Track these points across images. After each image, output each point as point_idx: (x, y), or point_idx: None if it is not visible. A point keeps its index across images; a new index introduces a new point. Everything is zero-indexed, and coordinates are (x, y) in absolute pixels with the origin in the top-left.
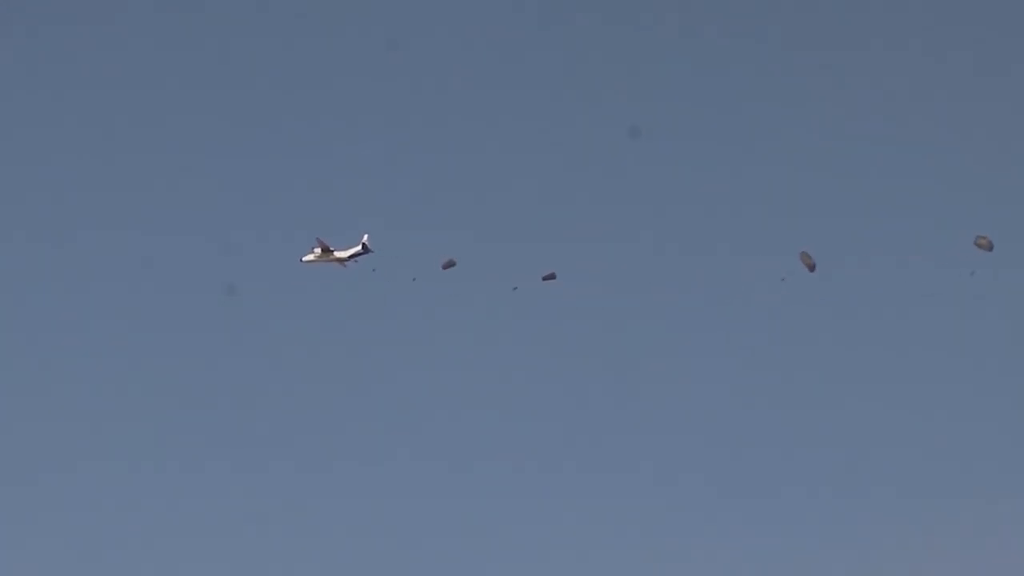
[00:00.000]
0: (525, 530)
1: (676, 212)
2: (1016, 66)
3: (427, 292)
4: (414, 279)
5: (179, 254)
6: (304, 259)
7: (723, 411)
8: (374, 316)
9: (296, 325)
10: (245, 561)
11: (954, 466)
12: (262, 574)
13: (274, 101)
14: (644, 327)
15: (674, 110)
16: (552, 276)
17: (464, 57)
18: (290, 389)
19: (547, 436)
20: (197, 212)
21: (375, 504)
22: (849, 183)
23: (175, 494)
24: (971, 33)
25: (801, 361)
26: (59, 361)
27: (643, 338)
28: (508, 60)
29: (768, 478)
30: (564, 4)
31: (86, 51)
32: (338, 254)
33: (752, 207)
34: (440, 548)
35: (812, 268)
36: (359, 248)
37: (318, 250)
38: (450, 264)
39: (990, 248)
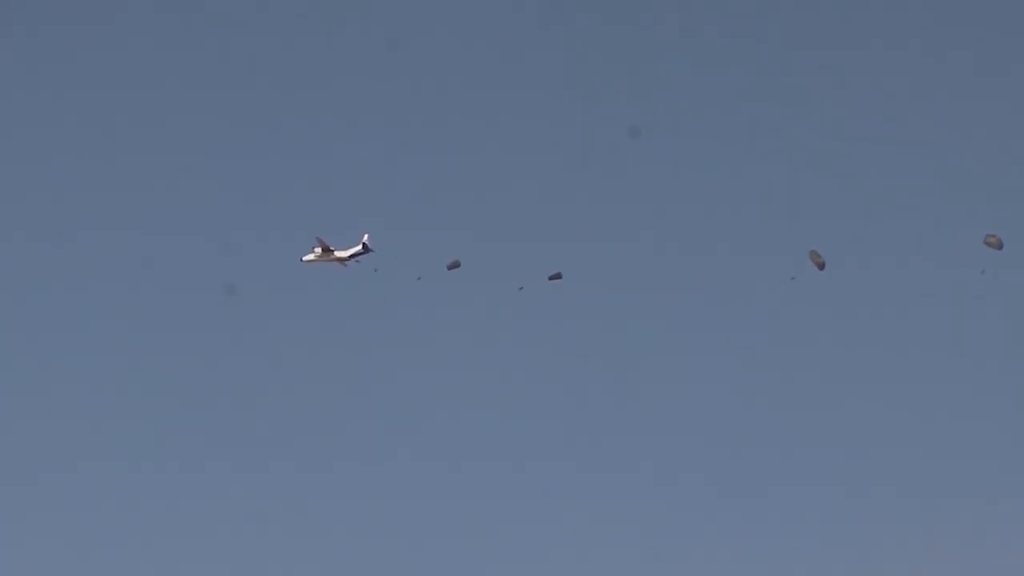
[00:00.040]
0: (525, 530)
1: (676, 212)
2: (1016, 66)
3: (427, 292)
4: (419, 278)
5: (179, 254)
6: (304, 259)
7: (723, 411)
8: (374, 316)
9: (296, 325)
10: (245, 561)
11: (954, 466)
12: (262, 574)
13: (274, 101)
14: (644, 327)
15: (674, 110)
16: (558, 276)
17: (464, 57)
18: (290, 389)
19: (547, 436)
20: (197, 212)
21: (375, 504)
22: (849, 183)
23: (175, 494)
24: (971, 33)
25: (801, 361)
26: (59, 361)
27: (643, 338)
28: (508, 60)
29: (768, 478)
30: (564, 4)
31: (86, 51)
32: (338, 254)
33: (752, 207)
34: (440, 548)
35: (822, 267)
36: (359, 248)
37: (318, 250)
38: (455, 265)
39: (1000, 247)
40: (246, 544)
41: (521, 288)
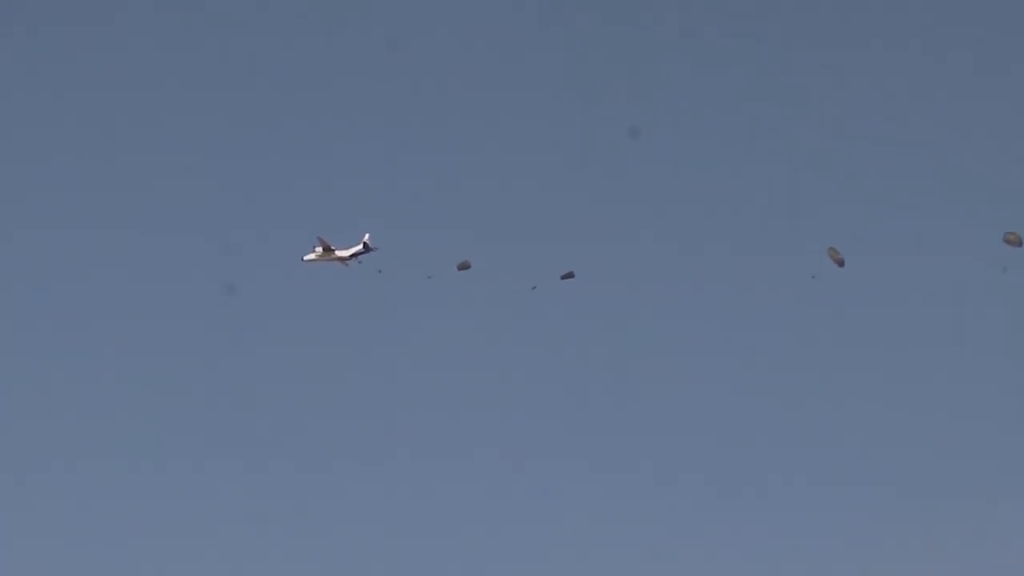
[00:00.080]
0: (525, 530)
1: (676, 212)
2: (1016, 66)
3: (427, 292)
4: (429, 277)
5: (179, 254)
6: (305, 258)
7: (723, 411)
8: (374, 316)
9: (297, 324)
10: (245, 561)
11: (954, 466)
12: (262, 574)
13: (274, 101)
14: (644, 327)
15: (674, 110)
16: (571, 275)
17: (464, 57)
18: (290, 389)
19: (547, 436)
20: (197, 212)
21: (375, 504)
22: (849, 183)
23: (175, 494)
24: (971, 33)
25: (801, 361)
26: (59, 360)
27: (643, 338)
28: (508, 60)
29: (768, 478)
30: (564, 4)
31: (86, 51)
32: (339, 253)
33: (752, 207)
34: (440, 548)
35: (841, 264)
36: (360, 247)
37: (319, 249)
38: (465, 266)
39: (1020, 243)
40: (246, 544)
41: (534, 287)
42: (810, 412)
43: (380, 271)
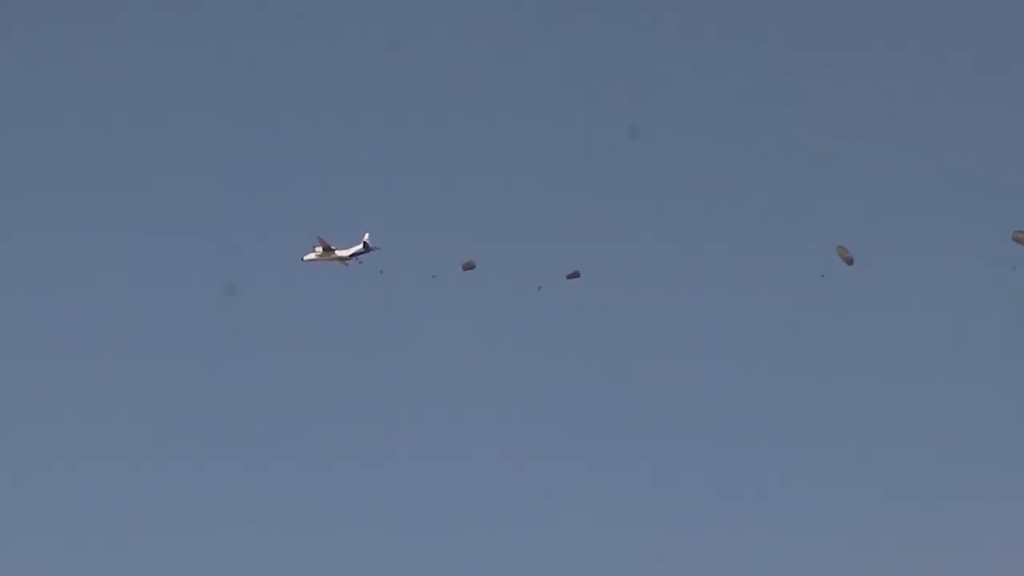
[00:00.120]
0: (525, 530)
1: (676, 212)
2: (1016, 66)
3: (427, 292)
4: (434, 276)
5: (179, 254)
6: (305, 258)
7: (723, 411)
8: (374, 316)
9: (297, 324)
10: (245, 561)
11: (954, 466)
12: (262, 574)
13: (274, 101)
14: (644, 327)
15: (674, 110)
16: (576, 275)
17: (464, 57)
18: (290, 389)
19: (547, 436)
20: (197, 212)
21: (375, 504)
22: (849, 183)
23: (175, 493)
24: (971, 33)
25: (801, 361)
26: (59, 360)
27: (643, 338)
28: (508, 60)
29: (768, 478)
30: (564, 4)
31: (86, 51)
32: (339, 253)
33: (752, 207)
34: (440, 548)
35: (850, 262)
36: (360, 247)
37: (319, 249)
38: (469, 266)
39: None
40: (246, 544)
41: (540, 287)
42: (810, 412)
43: (382, 271)
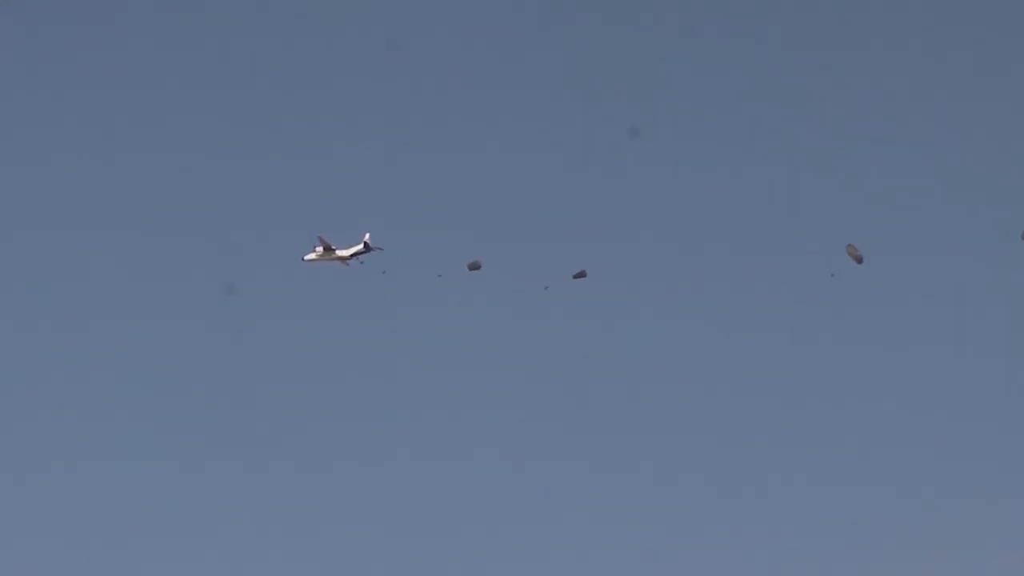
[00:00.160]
0: (525, 530)
1: (676, 212)
2: (1016, 66)
3: (427, 292)
4: (439, 276)
5: (179, 254)
6: (306, 258)
7: (723, 411)
8: (375, 316)
9: (297, 324)
10: (245, 561)
11: (954, 466)
12: (262, 574)
13: (274, 101)
14: (644, 327)
15: (674, 110)
16: (583, 274)
17: (464, 57)
18: (291, 389)
19: (547, 436)
20: (197, 212)
21: (375, 504)
22: (849, 183)
23: (175, 493)
24: (971, 33)
25: (801, 361)
26: (59, 360)
27: (643, 338)
28: (508, 60)
29: (768, 478)
30: (564, 4)
31: (86, 51)
32: (340, 253)
33: (752, 207)
34: (440, 548)
35: (860, 260)
36: (361, 247)
37: (320, 249)
38: (475, 266)
39: None
40: (246, 544)
41: (547, 287)
42: (810, 412)
43: (384, 272)
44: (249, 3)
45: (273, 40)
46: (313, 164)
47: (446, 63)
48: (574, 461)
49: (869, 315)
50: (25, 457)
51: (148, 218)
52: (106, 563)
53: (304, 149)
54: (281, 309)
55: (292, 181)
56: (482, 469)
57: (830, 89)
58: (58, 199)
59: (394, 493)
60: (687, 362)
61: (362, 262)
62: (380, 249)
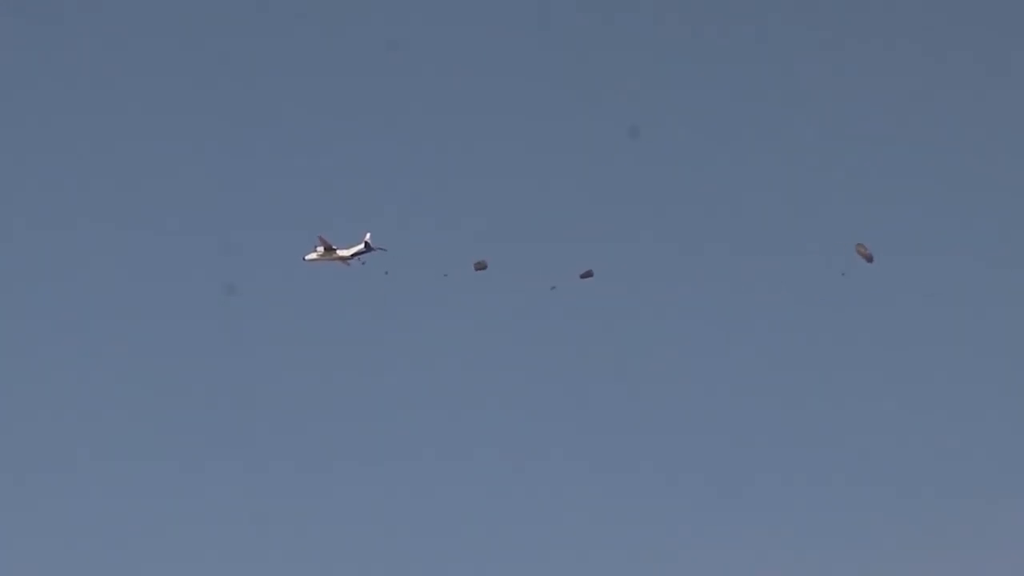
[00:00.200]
0: (525, 530)
1: (676, 212)
2: (1016, 66)
3: (427, 292)
4: (446, 275)
5: (179, 254)
6: (307, 258)
7: (723, 411)
8: (375, 316)
9: (298, 324)
10: (245, 561)
11: (954, 466)
12: (262, 574)
13: (274, 100)
14: (644, 327)
15: (674, 110)
16: (589, 274)
17: (464, 57)
18: (292, 389)
19: (547, 436)
20: (197, 212)
21: (375, 504)
22: (849, 183)
23: (175, 493)
24: (971, 33)
25: (801, 361)
26: (59, 360)
27: (643, 338)
28: (508, 60)
29: (768, 478)
30: (564, 4)
31: (86, 50)
32: (340, 253)
33: (752, 207)
34: (440, 548)
35: (870, 259)
36: (361, 247)
37: (320, 249)
38: (481, 266)
39: None
40: (246, 544)
41: (554, 287)
42: (810, 412)
43: (387, 272)
44: (249, 3)
45: (273, 40)
46: (313, 164)
47: (446, 63)
48: (574, 461)
49: (869, 315)
50: (25, 457)
51: (148, 218)
52: (106, 563)
53: (304, 149)
54: (281, 309)
55: (292, 181)
56: (482, 469)
57: (830, 89)
58: (58, 198)
59: (394, 493)
60: (687, 362)
61: (363, 262)
62: (383, 249)
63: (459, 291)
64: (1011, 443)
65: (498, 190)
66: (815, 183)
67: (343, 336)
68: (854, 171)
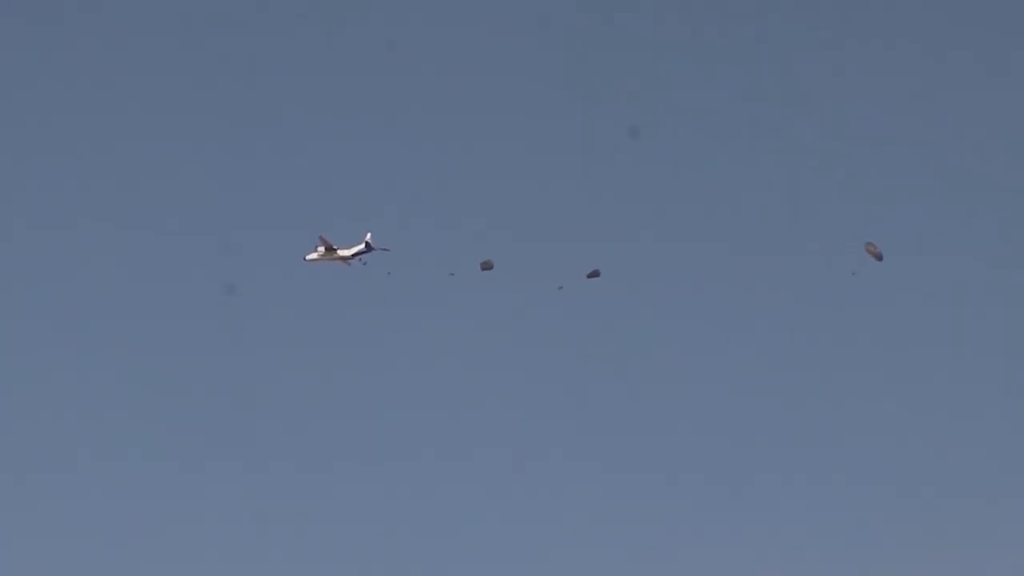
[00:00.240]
0: (525, 530)
1: (676, 212)
2: (1016, 66)
3: (427, 292)
4: (452, 274)
5: (179, 254)
6: (307, 258)
7: (723, 411)
8: (375, 316)
9: (299, 324)
10: (245, 561)
11: (954, 466)
12: (262, 574)
13: (275, 100)
14: (644, 327)
15: (674, 110)
16: (596, 274)
17: (464, 57)
18: (292, 389)
19: (547, 436)
20: (198, 212)
21: (375, 504)
22: (849, 183)
23: (175, 493)
24: (971, 33)
25: (801, 361)
26: (59, 360)
27: (643, 338)
28: (508, 60)
29: (768, 478)
30: (564, 4)
31: (86, 50)
32: (341, 253)
33: (752, 207)
34: (440, 548)
35: (879, 258)
36: (362, 247)
37: (321, 248)
38: (487, 266)
39: None
40: (246, 544)
41: (561, 287)
42: (810, 412)
43: (389, 273)
44: (249, 3)
45: (273, 40)
46: (313, 164)
47: (446, 63)
48: (574, 461)
49: (869, 315)
50: (25, 457)
51: (148, 218)
52: (106, 563)
53: (304, 149)
54: (281, 309)
55: (292, 181)
56: (482, 469)
57: (830, 89)
58: (58, 198)
59: (394, 493)
60: (687, 362)
61: (364, 263)
62: (386, 250)
63: (459, 291)
64: (1011, 443)
65: (498, 190)
66: (815, 183)
67: (343, 336)
68: (854, 171)
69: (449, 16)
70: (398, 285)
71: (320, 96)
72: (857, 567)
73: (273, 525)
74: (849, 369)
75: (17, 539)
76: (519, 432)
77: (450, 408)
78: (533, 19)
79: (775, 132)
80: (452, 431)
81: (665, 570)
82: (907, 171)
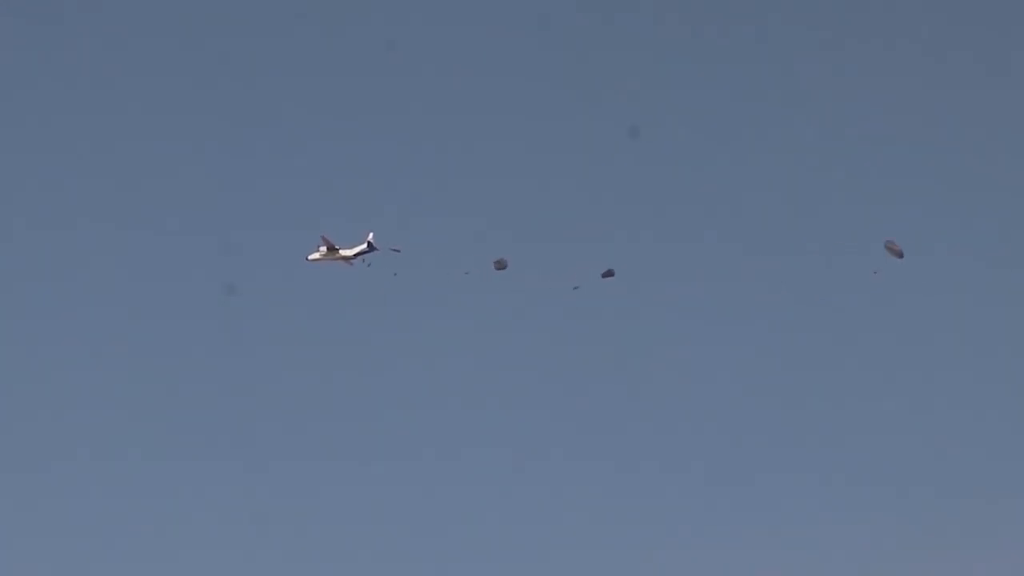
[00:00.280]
0: (525, 530)
1: (676, 212)
2: (1016, 66)
3: (427, 291)
4: (466, 273)
5: (179, 254)
6: (309, 258)
7: (723, 410)
8: (376, 315)
9: (298, 324)
10: (245, 561)
11: (954, 466)
12: (262, 573)
13: (275, 100)
14: (644, 326)
15: (674, 110)
16: (611, 273)
17: (464, 57)
18: (292, 389)
19: (547, 435)
20: (199, 212)
21: (375, 504)
22: (849, 183)
23: (175, 493)
24: (971, 33)
25: (801, 359)
26: (59, 360)
27: (643, 337)
28: (508, 60)
29: (768, 477)
30: (564, 4)
31: (86, 50)
32: (343, 253)
33: (752, 207)
34: (440, 548)
35: (900, 255)
36: (364, 246)
37: (323, 248)
38: (501, 265)
39: None
40: (246, 544)
41: (576, 287)
42: (810, 411)
43: (395, 274)
44: (249, 3)
45: (273, 40)
46: (313, 164)
47: (446, 63)
48: (574, 460)
49: (869, 314)
50: (25, 457)
51: (148, 218)
52: (106, 563)
53: (304, 149)
54: (281, 309)
55: (292, 181)
56: (482, 469)
57: (830, 89)
58: (58, 198)
59: (394, 493)
60: (687, 361)
61: (368, 263)
62: (397, 250)
63: (458, 291)
64: (1011, 443)
65: (498, 190)
66: (815, 183)
67: (343, 336)
68: (854, 171)
69: (449, 16)
70: (398, 285)
71: (320, 96)
72: (857, 567)
73: (273, 525)
74: (849, 369)
75: (17, 539)
76: (519, 432)
77: (450, 408)
78: (533, 19)
79: (775, 132)
80: (452, 431)
81: (665, 570)
82: (907, 171)
